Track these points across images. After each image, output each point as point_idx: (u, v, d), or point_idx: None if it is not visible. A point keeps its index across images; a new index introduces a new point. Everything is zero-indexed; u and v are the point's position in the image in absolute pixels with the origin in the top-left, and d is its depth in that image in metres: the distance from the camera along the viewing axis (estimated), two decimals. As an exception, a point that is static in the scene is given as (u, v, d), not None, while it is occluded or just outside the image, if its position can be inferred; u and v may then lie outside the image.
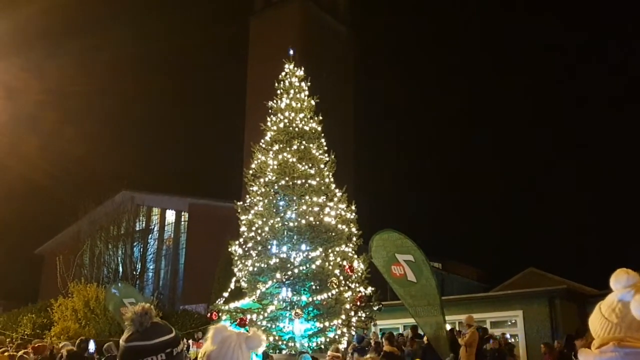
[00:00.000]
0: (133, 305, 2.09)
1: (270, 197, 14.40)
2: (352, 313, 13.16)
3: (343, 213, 14.36)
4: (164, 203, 36.43)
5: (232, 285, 14.28)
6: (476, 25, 73.68)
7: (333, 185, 14.87)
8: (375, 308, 13.65)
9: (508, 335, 17.57)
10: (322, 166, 14.89)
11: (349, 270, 13.55)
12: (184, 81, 68.67)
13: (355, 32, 41.53)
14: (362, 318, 13.51)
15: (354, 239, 14.41)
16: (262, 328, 12.47)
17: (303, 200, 14.04)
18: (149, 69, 60.86)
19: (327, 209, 14.05)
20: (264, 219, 14.23)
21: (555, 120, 65.84)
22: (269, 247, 14.14)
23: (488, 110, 67.33)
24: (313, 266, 13.28)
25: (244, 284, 14.29)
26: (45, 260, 37.41)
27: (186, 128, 68.75)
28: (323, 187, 14.59)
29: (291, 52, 15.98)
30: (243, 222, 14.55)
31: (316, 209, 13.87)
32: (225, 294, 14.02)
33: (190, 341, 17.27)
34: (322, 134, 15.34)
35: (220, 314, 13.33)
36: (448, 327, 12.85)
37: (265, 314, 13.01)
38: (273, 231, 13.96)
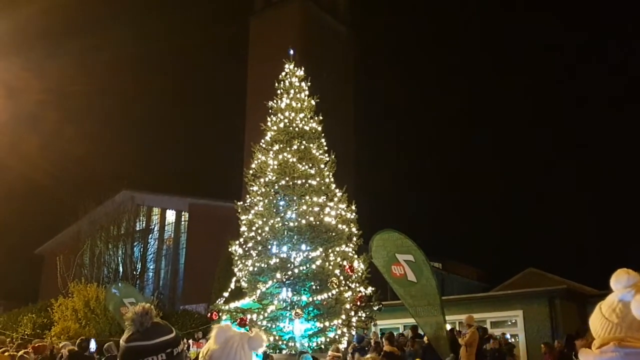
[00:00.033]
0: (133, 305, 2.10)
1: (271, 197, 14.40)
2: (352, 313, 13.16)
3: (343, 213, 14.37)
4: (164, 203, 36.43)
5: (232, 285, 14.29)
6: (476, 25, 73.74)
7: (333, 185, 14.87)
8: (375, 308, 13.65)
9: (508, 335, 17.56)
10: (322, 166, 14.89)
11: (349, 270, 13.55)
12: (184, 81, 68.71)
13: (355, 32, 41.54)
14: (362, 318, 13.51)
15: (354, 239, 14.41)
16: (262, 328, 12.48)
17: (303, 200, 14.04)
18: (149, 69, 60.89)
19: (327, 209, 14.05)
20: (264, 219, 14.23)
21: (555, 120, 65.92)
22: (269, 247, 14.14)
23: (488, 110, 67.41)
24: (313, 266, 13.29)
25: (244, 284, 14.30)
26: (45, 260, 37.41)
27: (186, 128, 68.79)
28: (323, 187, 14.59)
29: (291, 52, 15.99)
30: (243, 222, 14.55)
31: (316, 209, 13.87)
32: (226, 294, 14.02)
33: (191, 341, 17.27)
34: (322, 134, 15.34)
35: (220, 314, 13.34)
36: (448, 327, 12.85)
37: (266, 314, 13.02)
38: (273, 231, 13.96)
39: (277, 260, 13.57)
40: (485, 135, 70.69)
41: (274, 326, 13.06)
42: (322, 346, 12.90)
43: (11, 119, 22.99)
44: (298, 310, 12.63)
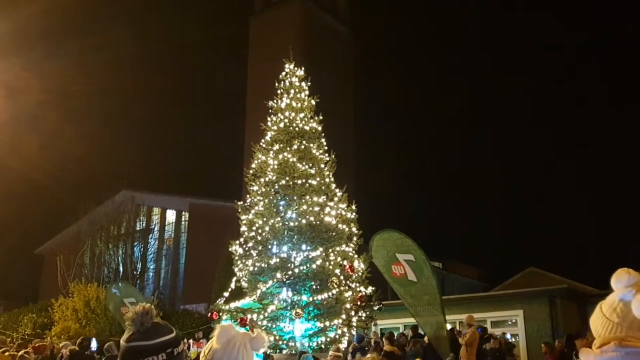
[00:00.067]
0: (133, 305, 2.10)
1: (271, 197, 14.41)
2: (353, 313, 13.16)
3: (343, 213, 14.37)
4: (165, 203, 36.42)
5: (232, 285, 14.29)
6: (476, 25, 73.70)
7: (333, 185, 14.88)
8: (375, 308, 13.65)
9: (508, 335, 17.57)
10: (322, 166, 14.89)
11: (349, 270, 13.56)
12: (184, 81, 68.66)
13: (356, 32, 41.53)
14: (363, 318, 13.52)
15: (355, 238, 14.41)
16: (263, 328, 12.48)
17: (303, 200, 14.05)
18: (149, 69, 60.85)
19: (327, 209, 14.05)
20: (265, 219, 14.23)
21: (555, 120, 65.88)
22: (270, 246, 14.14)
23: (488, 110, 67.37)
24: (313, 266, 13.29)
25: (244, 284, 14.30)
26: (45, 260, 37.40)
27: (186, 128, 68.76)
28: (323, 187, 14.60)
29: (290, 57, 15.96)
30: (243, 221, 14.55)
31: (316, 208, 13.87)
32: (226, 294, 14.03)
33: (191, 341, 17.26)
34: (323, 134, 15.35)
35: (220, 314, 13.34)
36: (448, 326, 12.84)
37: (266, 314, 13.03)
38: (273, 231, 13.97)
39: (278, 260, 13.57)
40: (485, 135, 70.74)
41: (274, 326, 13.07)
42: (323, 346, 12.90)
43: (11, 119, 23.00)
44: (298, 310, 12.63)
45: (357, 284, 13.81)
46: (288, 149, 14.63)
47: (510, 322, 18.95)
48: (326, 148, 15.26)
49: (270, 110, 15.46)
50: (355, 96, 40.40)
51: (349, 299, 13.27)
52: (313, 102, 15.50)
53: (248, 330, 2.09)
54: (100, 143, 52.10)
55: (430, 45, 72.20)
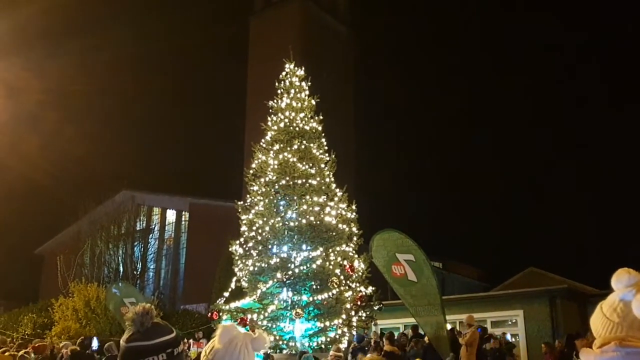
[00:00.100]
0: (134, 304, 2.10)
1: (271, 197, 14.41)
2: (353, 313, 13.16)
3: (343, 213, 14.37)
4: (165, 203, 36.42)
5: (232, 285, 14.29)
6: (476, 25, 73.68)
7: (333, 185, 14.88)
8: (375, 308, 13.65)
9: (508, 335, 17.57)
10: (322, 166, 14.89)
11: (349, 270, 13.56)
12: (184, 81, 68.65)
13: (356, 32, 41.52)
14: (363, 318, 13.52)
15: (355, 238, 14.41)
16: (263, 328, 12.48)
17: (303, 200, 14.05)
18: (149, 69, 60.85)
19: (327, 209, 14.05)
20: (265, 219, 14.23)
21: (555, 120, 65.87)
22: (270, 246, 14.15)
23: (488, 110, 67.35)
24: (314, 266, 13.29)
25: (244, 284, 14.30)
26: (45, 260, 37.40)
27: (186, 128, 68.76)
28: (323, 187, 14.60)
29: (290, 57, 15.95)
30: (244, 221, 14.56)
31: (317, 208, 13.87)
32: (226, 294, 14.03)
33: (191, 341, 17.27)
34: (323, 134, 15.35)
35: (220, 314, 13.34)
36: (449, 326, 12.84)
37: (266, 314, 13.03)
38: (274, 231, 13.97)
39: (278, 260, 13.57)
40: (485, 135, 70.72)
41: (274, 326, 13.07)
42: (323, 346, 12.91)
43: (11, 118, 23.00)
44: (298, 310, 12.63)
45: (357, 284, 13.81)
46: (288, 148, 14.63)
47: (510, 322, 18.95)
48: (326, 148, 15.26)
49: (270, 110, 15.47)
50: (355, 96, 40.42)
51: (349, 299, 13.27)
52: (313, 102, 15.51)
53: (248, 330, 2.09)
54: (100, 143, 52.13)
55: (430, 45, 72.24)
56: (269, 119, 15.34)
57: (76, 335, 19.12)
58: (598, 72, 68.48)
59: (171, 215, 36.93)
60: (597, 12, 66.64)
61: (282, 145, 14.77)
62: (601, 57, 66.15)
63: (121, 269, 29.43)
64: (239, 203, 14.86)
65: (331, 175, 14.97)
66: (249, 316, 12.81)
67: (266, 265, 13.78)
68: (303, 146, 14.72)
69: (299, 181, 14.18)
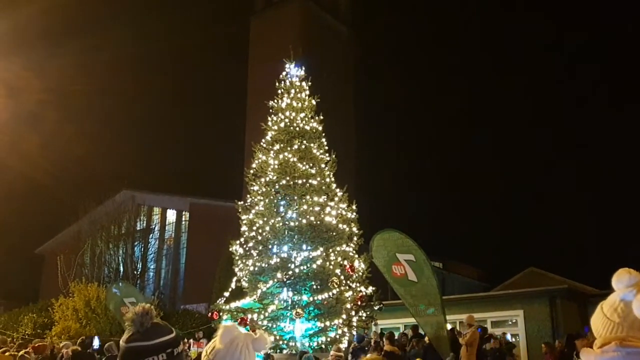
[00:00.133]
0: (134, 304, 2.10)
1: (271, 197, 14.41)
2: (353, 313, 13.16)
3: (344, 213, 14.37)
4: (165, 203, 36.42)
5: (232, 285, 14.29)
6: (476, 25, 73.64)
7: (334, 185, 14.88)
8: (376, 307, 13.65)
9: (509, 335, 17.56)
10: (322, 166, 14.89)
11: (349, 270, 13.55)
12: (184, 81, 68.65)
13: (356, 32, 41.51)
14: (363, 318, 13.52)
15: (355, 238, 14.41)
16: (263, 328, 12.49)
17: (304, 200, 14.05)
18: (149, 69, 60.85)
19: (327, 209, 14.05)
20: (265, 219, 14.23)
21: (555, 120, 65.85)
22: (270, 246, 14.15)
23: (488, 110, 67.32)
24: (314, 266, 13.29)
25: (244, 284, 14.30)
26: (45, 259, 37.41)
27: (186, 128, 68.77)
28: (324, 187, 14.60)
29: (291, 57, 15.95)
30: (244, 221, 14.56)
31: (317, 208, 13.87)
32: (226, 294, 14.03)
33: (191, 341, 17.26)
34: (323, 134, 15.36)
35: (221, 314, 13.35)
36: (449, 326, 12.84)
37: (266, 314, 13.03)
38: (274, 231, 13.97)
39: (278, 259, 13.57)
40: (485, 135, 70.69)
41: (274, 326, 13.07)
42: (323, 346, 12.90)
43: (11, 118, 23.01)
44: (299, 310, 12.63)
45: (358, 284, 13.81)
46: (288, 148, 14.64)
47: (510, 322, 18.95)
48: (326, 148, 15.26)
49: (270, 110, 15.47)
50: (356, 96, 40.41)
51: (349, 298, 13.27)
52: (313, 102, 15.51)
53: (249, 331, 2.09)
54: (100, 143, 52.16)
55: (430, 45, 72.19)
56: (269, 119, 15.34)
57: (76, 335, 19.12)
58: (598, 72, 68.51)
59: (171, 215, 36.94)
60: (597, 12, 66.66)
61: (282, 145, 14.77)
62: (601, 57, 66.17)
63: (121, 268, 29.43)
64: (240, 203, 14.86)
65: (331, 175, 14.97)
66: (249, 316, 12.81)
67: (266, 265, 13.77)
68: (303, 146, 14.72)
69: (299, 181, 14.18)
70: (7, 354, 10.89)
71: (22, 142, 27.67)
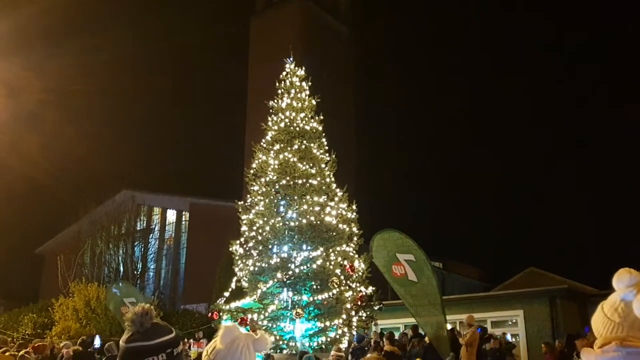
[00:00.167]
0: (134, 304, 2.10)
1: (271, 197, 14.41)
2: (353, 313, 13.16)
3: (344, 213, 14.37)
4: (165, 203, 36.43)
5: (233, 285, 14.29)
6: (476, 25, 73.60)
7: (334, 185, 14.88)
8: (376, 308, 13.65)
9: (509, 335, 17.56)
10: (323, 166, 14.89)
11: (349, 270, 13.55)
12: (184, 81, 68.64)
13: (356, 32, 41.51)
14: (363, 318, 13.51)
15: (355, 238, 14.41)
16: (263, 328, 12.49)
17: (304, 200, 14.05)
18: (149, 69, 60.85)
19: (328, 209, 14.05)
20: (265, 219, 14.23)
21: (555, 120, 65.82)
22: (270, 246, 14.14)
23: (488, 110, 67.28)
24: (314, 266, 13.29)
25: (244, 284, 14.30)
26: (45, 259, 37.42)
27: (186, 128, 68.81)
28: (324, 187, 14.60)
29: (291, 59, 15.95)
30: (244, 221, 14.56)
31: (317, 208, 13.87)
32: (226, 294, 14.03)
33: (192, 340, 17.27)
34: (323, 134, 15.36)
35: (221, 314, 13.34)
36: (449, 326, 12.84)
37: (266, 314, 13.02)
38: (274, 231, 13.96)
39: (278, 259, 13.57)
40: (485, 135, 70.62)
41: (274, 326, 13.07)
42: (323, 346, 12.90)
43: (12, 118, 23.02)
44: (299, 310, 12.63)
45: (358, 284, 13.81)
46: (289, 148, 14.64)
47: (510, 322, 18.95)
48: (327, 148, 15.26)
49: (270, 110, 15.47)
50: (356, 96, 40.40)
51: (349, 298, 13.27)
52: (314, 102, 15.51)
53: (249, 331, 2.09)
54: (100, 143, 52.17)
55: (430, 45, 72.17)
56: (269, 119, 15.34)
57: (76, 335, 19.12)
58: (598, 72, 68.49)
59: (171, 215, 36.94)
60: (597, 12, 66.64)
61: (282, 145, 14.77)
62: (601, 57, 66.15)
63: (121, 268, 29.43)
64: (240, 203, 14.86)
65: (331, 175, 14.97)
66: (249, 316, 12.80)
67: (266, 265, 13.77)
68: (303, 146, 14.72)
69: (300, 181, 14.18)
70: (7, 354, 10.89)
71: (23, 142, 27.67)
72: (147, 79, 64.30)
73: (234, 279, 14.40)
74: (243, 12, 44.27)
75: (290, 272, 13.17)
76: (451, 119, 70.84)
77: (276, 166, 14.40)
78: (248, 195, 14.96)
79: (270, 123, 15.25)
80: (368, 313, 13.58)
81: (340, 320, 12.96)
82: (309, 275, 13.38)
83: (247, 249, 14.33)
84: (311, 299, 13.04)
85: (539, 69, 68.29)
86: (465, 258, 38.77)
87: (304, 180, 14.21)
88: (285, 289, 13.41)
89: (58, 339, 19.35)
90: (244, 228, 14.56)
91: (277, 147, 14.78)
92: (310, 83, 15.76)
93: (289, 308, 13.04)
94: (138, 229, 32.69)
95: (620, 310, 1.71)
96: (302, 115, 15.13)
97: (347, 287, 13.58)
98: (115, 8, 60.93)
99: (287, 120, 14.99)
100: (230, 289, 14.19)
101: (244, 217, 14.57)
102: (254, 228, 14.28)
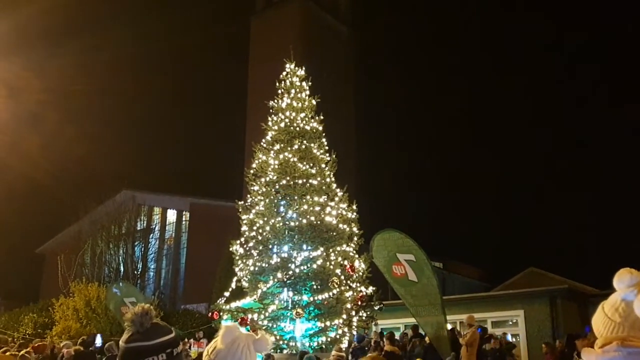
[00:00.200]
0: (134, 304, 2.10)
1: (272, 197, 14.40)
2: (353, 313, 13.16)
3: (344, 212, 14.37)
4: (165, 202, 36.45)
5: (233, 285, 14.29)
6: (476, 25, 73.58)
7: (334, 185, 14.87)
8: (376, 308, 13.65)
9: (509, 335, 17.56)
10: (323, 166, 14.89)
11: (350, 270, 13.55)
12: (184, 81, 68.66)
13: (356, 32, 41.52)
14: (363, 318, 13.51)
15: (355, 238, 14.41)
16: (263, 328, 12.49)
17: (304, 200, 14.04)
18: (149, 69, 60.86)
19: (328, 209, 14.05)
20: (265, 219, 14.23)
21: (555, 120, 65.80)
22: (270, 246, 14.14)
23: (488, 110, 67.26)
24: (314, 266, 13.28)
25: (245, 284, 14.30)
26: (46, 259, 37.44)
27: (186, 128, 68.83)
28: (324, 187, 14.60)
29: (291, 57, 15.95)
30: (244, 221, 14.55)
31: (317, 208, 13.87)
32: (227, 294, 14.03)
33: (192, 340, 17.27)
34: (323, 134, 15.35)
35: (221, 314, 13.35)
36: (449, 326, 12.84)
37: (267, 314, 13.02)
38: (274, 231, 13.96)
39: (278, 259, 13.57)
40: (485, 135, 70.58)
41: (274, 326, 13.07)
42: (323, 346, 12.90)
43: (12, 118, 23.02)
44: (299, 310, 12.62)
45: (358, 284, 13.80)
46: (289, 148, 14.63)
47: (511, 322, 18.95)
48: (327, 148, 15.26)
49: (270, 110, 15.47)
50: (356, 96, 40.40)
51: (349, 298, 13.27)
52: (314, 102, 15.51)
53: (249, 331, 2.09)
54: (100, 143, 52.19)
55: (430, 45, 72.15)
56: (269, 119, 15.34)
57: (77, 335, 19.12)
58: (598, 72, 68.45)
59: (172, 215, 36.96)
60: (597, 12, 66.61)
61: (282, 145, 14.77)
62: (601, 57, 66.12)
63: (122, 268, 29.45)
64: (240, 203, 14.86)
65: (332, 175, 14.97)
66: (250, 316, 12.80)
67: (267, 265, 13.77)
68: (304, 146, 14.72)
69: (300, 181, 14.18)
70: (7, 353, 10.90)
71: (23, 142, 27.68)
72: (147, 79, 64.35)
73: (234, 278, 14.40)
74: (243, 12, 44.29)
75: (290, 272, 13.17)
76: (451, 119, 70.88)
77: (276, 166, 14.40)
78: (248, 195, 14.96)
79: (270, 123, 15.24)
80: (368, 313, 13.58)
81: (341, 320, 12.96)
82: (309, 275, 13.38)
83: (248, 248, 14.33)
84: (311, 299, 13.04)
85: (539, 69, 68.33)
86: (465, 258, 38.78)
87: (304, 180, 14.20)
88: (285, 289, 13.40)
89: (58, 339, 19.35)
90: (244, 228, 14.56)
91: (277, 147, 14.78)
92: (310, 83, 15.75)
93: (289, 308, 13.04)
94: (138, 228, 32.71)
95: (621, 310, 1.71)
96: (302, 115, 15.12)
97: (348, 287, 13.57)
98: (115, 8, 60.99)
99: (287, 120, 14.99)
100: (230, 289, 14.19)
101: (244, 217, 14.57)
102: (254, 228, 14.28)
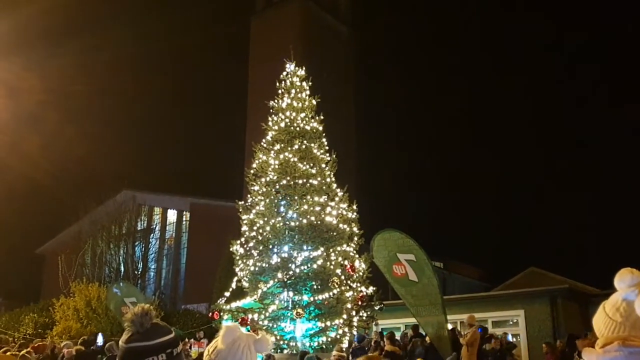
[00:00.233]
0: (134, 304, 2.10)
1: (272, 197, 14.41)
2: (354, 312, 13.16)
3: (344, 212, 14.37)
4: (166, 202, 36.46)
5: (233, 285, 14.30)
6: (476, 25, 73.54)
7: (334, 185, 14.87)
8: (376, 308, 13.65)
9: (509, 335, 17.55)
10: (323, 166, 14.89)
11: (350, 270, 13.55)
12: (184, 81, 68.64)
13: (356, 32, 41.51)
14: (364, 317, 13.51)
15: (355, 238, 14.41)
16: (264, 328, 12.50)
17: (304, 200, 14.04)
18: (149, 69, 60.83)
19: (328, 209, 14.05)
20: (266, 219, 14.23)
21: (555, 120, 65.78)
22: (271, 246, 14.14)
23: (488, 110, 67.23)
24: (314, 266, 13.28)
25: (245, 284, 14.30)
26: (46, 259, 37.45)
27: (186, 128, 68.83)
28: (324, 187, 14.60)
29: (291, 57, 15.96)
30: (244, 221, 14.56)
31: (317, 208, 13.87)
32: (227, 294, 14.04)
33: (192, 340, 17.27)
34: (323, 134, 15.36)
35: (221, 314, 13.35)
36: (449, 326, 12.84)
37: (267, 314, 13.02)
38: (274, 231, 13.96)
39: (279, 259, 13.57)
40: (485, 135, 70.56)
41: (275, 326, 13.07)
42: (324, 346, 12.90)
43: (12, 118, 23.04)
44: (299, 310, 12.63)
45: (358, 284, 13.80)
46: (289, 148, 14.63)
47: (511, 322, 18.94)
48: (327, 148, 15.26)
49: (271, 110, 15.47)
50: (356, 96, 40.40)
51: (350, 298, 13.27)
52: (314, 102, 15.51)
53: (249, 331, 2.09)
54: (100, 143, 52.15)
55: (430, 45, 72.11)
56: (269, 118, 15.35)
57: (77, 335, 19.13)
58: (598, 72, 68.43)
59: (172, 215, 36.97)
60: (597, 12, 66.57)
61: (282, 145, 14.77)
62: (601, 57, 66.09)
63: (122, 268, 29.45)
64: (240, 203, 14.86)
65: (332, 175, 14.97)
66: (250, 316, 12.81)
67: (267, 265, 13.77)
68: (304, 146, 14.72)
69: (300, 181, 14.18)
70: (8, 353, 10.90)
71: (23, 142, 27.70)
72: (147, 79, 64.34)
73: (235, 279, 14.40)
74: (243, 12, 44.30)
75: (290, 272, 13.17)
76: (451, 119, 70.84)
77: (276, 166, 14.40)
78: (248, 195, 14.96)
79: (270, 123, 15.25)
80: (369, 313, 13.58)
81: (341, 320, 12.96)
82: (310, 275, 13.38)
83: (248, 249, 14.33)
84: (312, 299, 13.04)
85: (539, 69, 68.32)
86: (465, 258, 38.79)
87: (305, 180, 14.21)
88: (285, 289, 13.40)
89: (59, 339, 19.35)
90: (244, 228, 14.56)
91: (277, 147, 14.78)
92: (310, 83, 15.76)
93: (290, 308, 13.04)
94: (139, 229, 32.71)
95: (622, 310, 1.71)
96: (303, 115, 15.13)
97: (348, 287, 13.57)
98: (115, 8, 60.97)
99: (287, 120, 14.99)
100: (230, 289, 14.20)
101: (244, 217, 14.57)
102: (255, 228, 14.28)
